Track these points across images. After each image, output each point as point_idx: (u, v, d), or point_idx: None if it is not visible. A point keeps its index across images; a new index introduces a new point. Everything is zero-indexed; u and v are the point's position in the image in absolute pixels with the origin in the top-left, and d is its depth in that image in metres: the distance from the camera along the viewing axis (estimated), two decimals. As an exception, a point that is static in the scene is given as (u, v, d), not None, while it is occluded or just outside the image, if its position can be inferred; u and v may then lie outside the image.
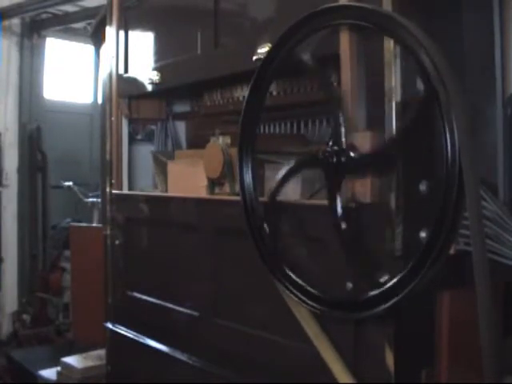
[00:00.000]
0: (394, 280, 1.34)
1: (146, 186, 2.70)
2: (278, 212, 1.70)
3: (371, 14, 1.36)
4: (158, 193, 2.52)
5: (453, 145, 1.23)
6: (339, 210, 1.46)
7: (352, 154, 1.44)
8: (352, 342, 1.52)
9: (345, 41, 1.51)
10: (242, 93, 2.11)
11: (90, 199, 5.26)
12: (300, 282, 1.57)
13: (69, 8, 5.78)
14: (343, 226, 1.47)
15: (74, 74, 6.71)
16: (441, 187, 1.27)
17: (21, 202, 6.02)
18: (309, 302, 1.54)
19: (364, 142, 1.47)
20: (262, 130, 2.23)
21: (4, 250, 5.85)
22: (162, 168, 2.53)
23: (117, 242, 2.54)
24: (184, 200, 2.17)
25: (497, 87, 1.63)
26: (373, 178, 1.46)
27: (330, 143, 1.48)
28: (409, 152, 1.40)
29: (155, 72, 2.30)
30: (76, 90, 6.74)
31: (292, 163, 1.64)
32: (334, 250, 1.54)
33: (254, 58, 1.76)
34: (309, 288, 1.55)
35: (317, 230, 1.60)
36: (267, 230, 1.65)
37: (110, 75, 2.61)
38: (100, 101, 3.93)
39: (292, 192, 1.85)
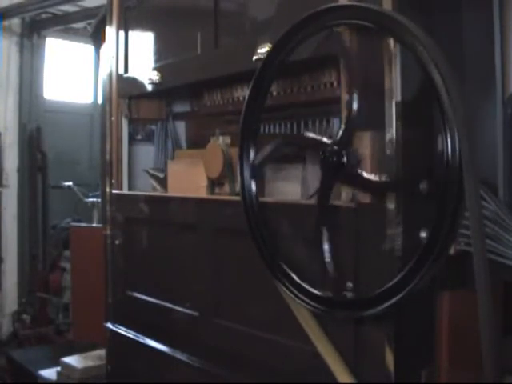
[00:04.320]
0: (394, 280, 1.34)
1: (146, 186, 2.70)
2: (278, 212, 1.70)
3: (371, 13, 1.36)
4: (157, 193, 2.52)
5: (453, 145, 1.23)
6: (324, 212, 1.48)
7: (360, 172, 1.45)
8: (352, 342, 1.52)
9: (345, 41, 1.52)
10: (242, 93, 2.11)
11: (90, 199, 5.25)
12: (300, 281, 1.57)
13: (69, 8, 5.78)
14: (325, 227, 1.48)
15: (74, 74, 6.71)
16: (441, 187, 1.27)
17: (21, 202, 6.02)
18: (309, 301, 1.54)
19: (364, 141, 1.48)
20: (262, 130, 2.23)
21: (4, 250, 5.85)
22: (158, 181, 2.55)
23: (117, 242, 2.54)
24: (184, 200, 2.17)
25: (497, 87, 1.63)
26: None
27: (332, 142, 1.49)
28: (408, 149, 1.40)
29: (155, 72, 2.30)
30: (76, 89, 6.74)
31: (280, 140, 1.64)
32: (334, 249, 1.54)
33: (254, 58, 1.76)
34: (309, 288, 1.55)
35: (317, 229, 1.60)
36: (267, 230, 1.66)
37: (110, 75, 2.61)
38: (100, 101, 3.93)
39: (292, 192, 1.85)
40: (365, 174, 1.44)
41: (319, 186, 1.54)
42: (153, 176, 2.60)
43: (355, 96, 1.49)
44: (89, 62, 6.51)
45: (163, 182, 2.47)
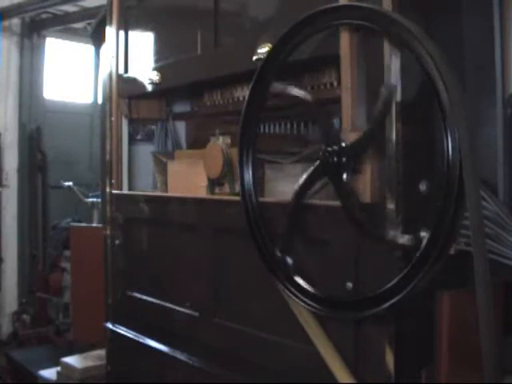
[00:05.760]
0: (395, 280, 1.34)
1: (146, 186, 2.70)
2: (278, 212, 1.70)
3: (371, 13, 1.36)
4: (157, 193, 2.52)
5: (453, 145, 1.23)
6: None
7: (344, 144, 1.45)
8: (352, 342, 1.52)
9: (345, 41, 1.52)
10: (242, 93, 2.11)
11: (90, 199, 5.26)
12: (300, 282, 1.57)
13: (69, 8, 5.78)
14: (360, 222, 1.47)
15: (74, 73, 6.71)
16: (441, 187, 1.27)
17: (21, 202, 6.03)
18: (309, 302, 1.54)
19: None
20: (262, 130, 2.23)
21: (4, 250, 5.85)
22: (161, 168, 2.54)
23: (117, 242, 2.54)
24: (184, 200, 2.17)
25: (497, 87, 1.64)
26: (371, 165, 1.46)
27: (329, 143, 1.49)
28: (408, 149, 1.40)
29: (155, 72, 2.30)
30: (76, 90, 6.74)
31: (314, 167, 1.59)
32: (334, 249, 1.54)
33: (254, 58, 1.76)
34: (309, 288, 1.55)
35: (316, 229, 1.60)
36: (267, 230, 1.65)
37: (110, 75, 2.61)
38: (100, 101, 3.93)
39: (292, 192, 1.85)
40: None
41: (334, 189, 1.53)
42: (156, 161, 2.59)
43: (354, 96, 1.50)
44: (89, 62, 6.51)
45: (164, 170, 2.45)
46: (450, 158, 1.24)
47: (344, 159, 1.46)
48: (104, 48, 2.84)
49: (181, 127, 2.88)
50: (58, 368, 3.67)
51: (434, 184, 1.37)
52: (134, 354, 2.42)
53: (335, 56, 1.55)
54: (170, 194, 2.34)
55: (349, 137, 1.47)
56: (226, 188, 2.05)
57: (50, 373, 3.83)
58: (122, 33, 2.56)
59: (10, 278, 5.93)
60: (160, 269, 2.30)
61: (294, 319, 1.64)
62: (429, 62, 1.25)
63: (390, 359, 1.42)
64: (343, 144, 1.46)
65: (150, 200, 2.37)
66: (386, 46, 1.41)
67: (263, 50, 1.73)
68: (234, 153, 1.85)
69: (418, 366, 1.48)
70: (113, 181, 2.58)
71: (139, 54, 2.48)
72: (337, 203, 1.53)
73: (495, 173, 1.61)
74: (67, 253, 5.41)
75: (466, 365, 1.48)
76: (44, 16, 6.05)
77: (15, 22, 5.92)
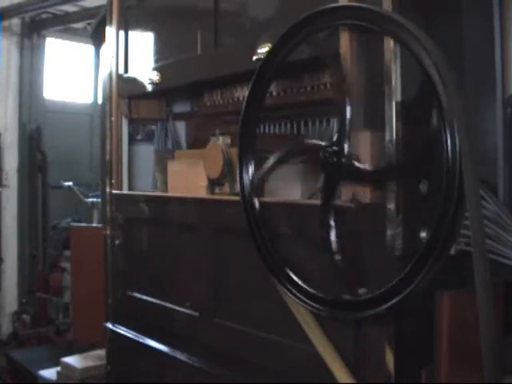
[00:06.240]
0: (395, 280, 1.34)
1: (146, 186, 2.70)
2: (278, 212, 1.70)
3: (371, 14, 1.36)
4: (157, 193, 2.52)
5: (453, 145, 1.23)
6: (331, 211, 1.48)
7: (356, 164, 1.45)
8: (352, 342, 1.51)
9: (345, 41, 1.52)
10: (242, 93, 2.11)
11: (90, 199, 5.26)
12: (300, 282, 1.57)
13: (69, 8, 5.79)
14: (332, 227, 1.48)
15: (74, 74, 6.71)
16: (441, 187, 1.27)
17: (21, 202, 6.03)
18: (309, 302, 1.54)
19: (363, 141, 1.48)
20: (262, 130, 2.23)
21: (4, 250, 5.85)
22: (162, 167, 2.54)
23: (117, 242, 2.54)
24: (184, 200, 2.17)
25: (497, 87, 1.64)
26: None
27: (330, 143, 1.49)
28: (408, 149, 1.40)
29: (155, 72, 2.30)
30: (76, 90, 6.74)
31: (280, 152, 1.64)
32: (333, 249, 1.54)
33: (254, 58, 1.76)
34: (309, 288, 1.55)
35: (317, 229, 1.60)
36: (267, 230, 1.65)
37: (110, 75, 2.61)
38: (100, 101, 3.93)
39: (292, 192, 1.85)
40: (361, 166, 1.45)
41: (322, 187, 1.53)
42: (158, 160, 2.59)
43: (353, 96, 1.50)
44: (89, 62, 6.51)
45: (165, 169, 2.44)
46: (450, 158, 1.24)
47: (344, 160, 1.46)
48: (104, 48, 2.84)
49: (181, 127, 2.88)
50: (58, 368, 3.67)
51: (433, 184, 1.37)
52: (134, 354, 2.42)
53: (335, 56, 1.55)
54: (169, 193, 2.34)
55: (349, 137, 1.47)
56: (226, 188, 2.05)
57: (49, 373, 3.83)
58: (122, 33, 2.56)
59: (10, 278, 5.94)
60: (160, 269, 2.30)
61: (294, 319, 1.64)
62: (429, 63, 1.25)
63: (390, 359, 1.42)
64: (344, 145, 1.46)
65: (150, 200, 2.37)
66: (386, 46, 1.41)
67: (263, 49, 1.73)
68: (234, 153, 1.85)
69: (418, 366, 1.48)
70: (113, 181, 2.58)
71: (139, 54, 2.48)
72: (337, 203, 1.53)
73: (495, 173, 1.61)
74: (67, 253, 5.41)
75: (466, 365, 1.48)
76: (44, 16, 6.06)
77: (15, 22, 5.92)
